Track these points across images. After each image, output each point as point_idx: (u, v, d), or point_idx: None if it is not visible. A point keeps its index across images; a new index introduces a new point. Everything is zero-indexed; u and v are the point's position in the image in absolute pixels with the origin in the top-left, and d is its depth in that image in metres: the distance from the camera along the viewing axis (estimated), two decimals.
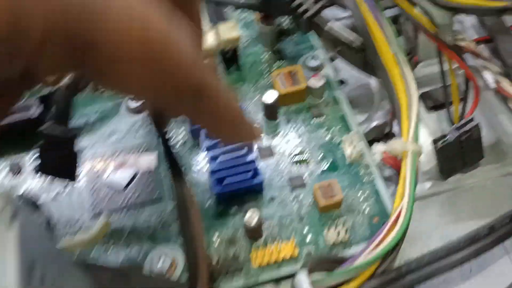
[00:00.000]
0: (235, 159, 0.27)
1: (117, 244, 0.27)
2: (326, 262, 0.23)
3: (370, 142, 0.31)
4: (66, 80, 0.23)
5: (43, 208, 0.27)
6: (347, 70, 0.34)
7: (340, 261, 0.23)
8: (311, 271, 0.22)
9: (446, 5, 0.26)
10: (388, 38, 0.27)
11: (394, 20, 0.30)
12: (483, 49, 0.34)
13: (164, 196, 0.28)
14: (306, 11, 0.27)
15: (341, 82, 0.33)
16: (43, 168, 0.24)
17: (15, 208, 0.14)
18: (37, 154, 0.24)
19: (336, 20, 0.30)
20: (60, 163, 0.24)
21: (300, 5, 0.27)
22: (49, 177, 0.24)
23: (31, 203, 0.27)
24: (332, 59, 0.34)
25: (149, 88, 0.16)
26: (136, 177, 0.29)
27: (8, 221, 0.14)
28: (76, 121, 0.30)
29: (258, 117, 0.31)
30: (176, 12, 0.16)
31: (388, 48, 0.27)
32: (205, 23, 0.31)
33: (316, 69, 0.32)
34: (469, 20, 0.35)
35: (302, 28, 0.29)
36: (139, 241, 0.27)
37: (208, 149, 0.27)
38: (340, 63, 0.34)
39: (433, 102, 0.31)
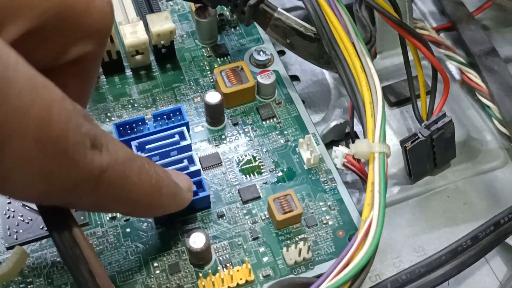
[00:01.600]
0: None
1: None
2: (289, 287, 0.19)
3: (329, 145, 0.27)
4: None
5: None
6: (299, 65, 0.30)
7: (305, 286, 0.20)
8: None
9: None
10: (346, 26, 0.24)
11: (348, 8, 0.27)
12: (444, 38, 0.31)
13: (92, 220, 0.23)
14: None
15: (294, 78, 0.30)
16: None
17: None
18: None
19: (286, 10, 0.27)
20: None
21: None
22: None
23: None
24: (281, 53, 0.30)
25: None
26: None
27: None
28: None
29: (200, 121, 0.26)
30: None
31: (346, 37, 0.24)
32: (133, 15, 0.27)
33: (264, 65, 0.28)
34: (428, 7, 0.32)
35: (244, 19, 0.25)
36: None
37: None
38: (291, 57, 0.30)
39: (396, 97, 0.28)
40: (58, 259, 0.22)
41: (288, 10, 0.32)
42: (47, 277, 0.22)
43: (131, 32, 0.26)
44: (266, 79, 0.27)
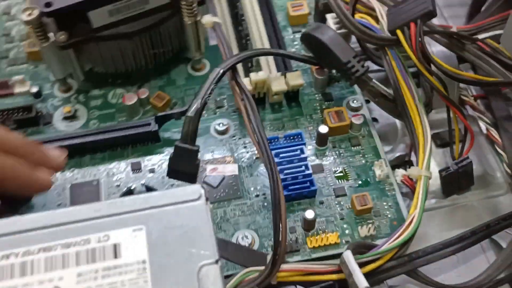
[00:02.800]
0: (297, 173, 0.38)
1: None
2: (361, 247, 0.34)
3: (393, 167, 0.42)
4: (193, 110, 0.35)
5: None
6: (378, 111, 0.45)
7: (371, 247, 0.35)
8: (353, 251, 0.33)
9: (456, 77, 0.37)
10: (412, 94, 0.39)
11: (416, 75, 0.41)
12: (479, 103, 0.45)
13: (244, 194, 0.39)
14: (357, 71, 0.39)
15: (374, 119, 0.45)
16: (171, 173, 0.36)
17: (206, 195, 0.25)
18: (168, 162, 0.35)
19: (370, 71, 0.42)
20: (185, 170, 0.35)
21: (352, 66, 0.39)
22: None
23: (154, 189, 0.38)
24: (367, 101, 0.45)
25: None
26: (224, 180, 0.40)
27: (205, 203, 0.25)
28: None
29: (312, 142, 0.42)
30: None
31: (413, 101, 0.38)
32: (274, 71, 0.42)
33: (356, 109, 0.43)
34: None
35: (349, 81, 0.40)
36: (227, 226, 0.38)
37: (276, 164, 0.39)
38: (373, 105, 0.45)
39: (441, 141, 0.43)
40: (225, 216, 0.38)
41: (374, 71, 0.46)
42: (218, 225, 0.38)
43: (276, 82, 0.41)
44: (357, 120, 0.42)
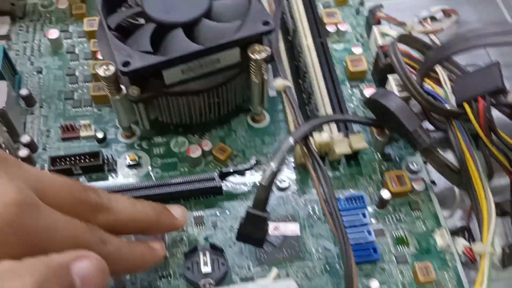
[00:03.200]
0: (360, 238, 0.39)
1: None
2: None
3: (452, 233, 0.42)
4: (266, 179, 0.35)
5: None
6: (436, 173, 0.45)
7: None
8: None
9: None
10: (477, 167, 0.39)
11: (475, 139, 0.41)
12: None
13: (306, 256, 0.40)
14: (423, 141, 0.39)
15: (432, 182, 0.45)
16: (240, 236, 0.36)
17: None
18: (238, 227, 0.36)
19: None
20: (254, 235, 0.36)
21: (419, 136, 0.39)
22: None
23: (219, 249, 0.39)
24: (425, 162, 0.45)
25: None
26: (286, 239, 0.40)
27: None
28: None
29: (372, 204, 0.42)
30: None
31: (478, 174, 0.38)
32: (338, 134, 0.43)
33: (416, 172, 0.44)
34: None
35: (414, 149, 0.40)
36: None
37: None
38: (431, 167, 0.45)
39: (501, 211, 0.43)
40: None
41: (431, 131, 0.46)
42: None
43: (339, 145, 0.42)
44: (418, 186, 0.42)
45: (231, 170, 0.42)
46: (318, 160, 0.37)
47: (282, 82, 0.40)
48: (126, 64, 0.37)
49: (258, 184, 0.35)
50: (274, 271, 0.37)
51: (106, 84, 0.39)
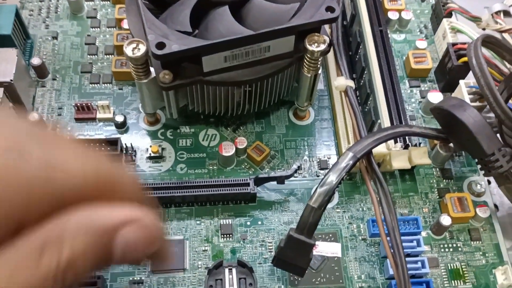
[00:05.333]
0: (413, 269, 0.33)
1: None
2: None
3: None
4: (317, 200, 0.30)
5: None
6: (500, 195, 0.39)
7: None
8: None
9: None
10: None
11: None
12: None
13: (347, 284, 0.35)
14: (500, 166, 0.33)
15: (495, 206, 0.39)
16: (278, 263, 0.31)
17: None
18: (277, 250, 0.31)
19: None
20: (294, 263, 0.31)
21: (496, 160, 0.33)
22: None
23: (247, 267, 0.34)
24: (489, 182, 0.40)
25: None
26: (325, 261, 0.35)
27: None
28: None
29: (426, 228, 0.37)
30: None
31: None
32: (395, 144, 0.37)
33: (479, 195, 0.38)
34: None
35: (486, 174, 0.34)
36: None
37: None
38: (495, 186, 0.40)
39: None
40: None
41: None
42: None
43: (398, 159, 0.36)
44: (482, 213, 0.36)
45: (269, 176, 0.36)
46: (380, 178, 0.31)
47: (344, 82, 0.34)
48: (160, 46, 0.31)
49: (307, 206, 0.30)
50: None
51: (134, 66, 0.33)
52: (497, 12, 0.47)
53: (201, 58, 0.33)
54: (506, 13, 0.47)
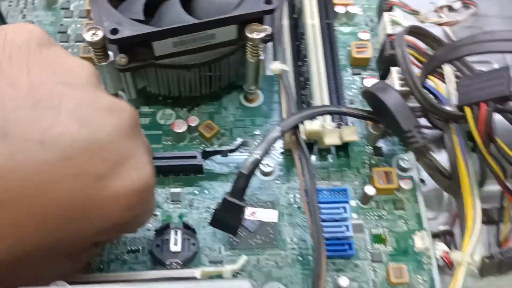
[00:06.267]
0: (337, 232, 0.38)
1: (242, 274, 0.38)
2: None
3: (434, 235, 0.41)
4: (247, 167, 0.34)
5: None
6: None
7: None
8: None
9: None
10: (469, 175, 0.37)
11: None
12: None
13: (280, 245, 0.39)
14: (416, 142, 0.37)
15: (421, 180, 0.44)
16: (213, 223, 0.35)
17: None
18: (213, 212, 0.35)
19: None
20: (228, 223, 0.35)
21: (412, 136, 0.37)
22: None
23: (191, 229, 0.38)
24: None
25: None
26: (262, 225, 0.40)
27: None
28: None
29: (355, 199, 0.41)
30: None
31: (468, 182, 0.37)
32: (330, 123, 0.41)
33: (406, 170, 0.42)
34: None
35: (408, 148, 0.39)
36: (259, 275, 0.38)
37: None
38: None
39: (487, 218, 0.42)
40: (257, 264, 0.38)
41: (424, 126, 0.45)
42: (248, 273, 0.38)
43: (329, 135, 0.40)
44: (405, 185, 0.41)
45: (215, 150, 0.41)
46: (305, 150, 0.36)
47: (278, 66, 0.39)
48: (114, 31, 0.36)
49: (239, 173, 0.34)
50: (243, 258, 0.36)
51: (93, 50, 0.38)
52: (441, 7, 0.51)
53: (152, 43, 0.37)
54: (450, 8, 0.52)
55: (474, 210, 0.37)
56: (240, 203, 0.35)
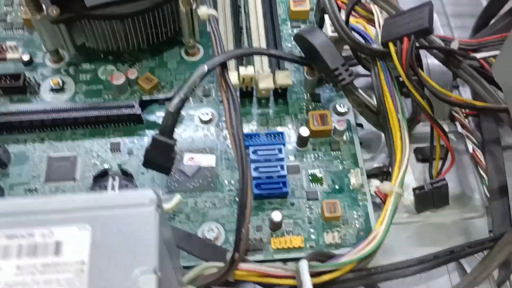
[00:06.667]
0: (272, 172, 0.39)
1: (180, 216, 0.38)
2: (321, 256, 0.35)
3: (371, 176, 0.42)
4: (173, 105, 0.35)
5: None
6: None
7: (331, 257, 0.35)
8: (310, 260, 0.33)
9: (444, 99, 0.37)
10: (396, 108, 0.38)
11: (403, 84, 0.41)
12: (470, 121, 0.44)
13: (218, 187, 0.40)
14: (343, 79, 0.38)
15: (359, 125, 0.44)
16: (146, 163, 0.36)
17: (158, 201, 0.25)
18: (144, 152, 0.36)
19: (358, 75, 0.42)
20: (160, 163, 0.36)
21: (339, 74, 0.38)
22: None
23: (127, 174, 0.39)
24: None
25: None
26: (200, 170, 0.40)
27: (155, 210, 0.25)
28: None
29: (292, 142, 0.42)
30: None
31: (395, 115, 0.38)
32: (267, 69, 0.42)
33: (342, 114, 0.43)
34: (466, 94, 0.46)
35: (336, 89, 0.40)
36: (196, 216, 0.38)
37: (252, 161, 0.39)
38: None
39: (422, 156, 0.42)
40: (194, 206, 0.39)
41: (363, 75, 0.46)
42: (186, 215, 0.39)
43: (263, 80, 0.41)
44: (340, 126, 0.42)
45: (151, 99, 0.41)
46: (231, 90, 0.36)
47: (205, 11, 0.39)
48: None
49: (166, 111, 0.35)
50: (177, 197, 0.37)
51: (26, 2, 0.39)
52: None
53: None
54: None
55: (402, 142, 0.37)
56: (169, 141, 0.35)
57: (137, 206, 0.24)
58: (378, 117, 0.39)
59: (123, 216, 0.24)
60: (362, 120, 0.44)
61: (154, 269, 0.23)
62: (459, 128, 0.44)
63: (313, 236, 0.38)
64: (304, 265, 0.32)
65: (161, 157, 0.36)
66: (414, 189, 0.39)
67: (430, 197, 0.39)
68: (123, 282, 0.22)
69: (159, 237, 0.24)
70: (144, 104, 0.41)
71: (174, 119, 0.35)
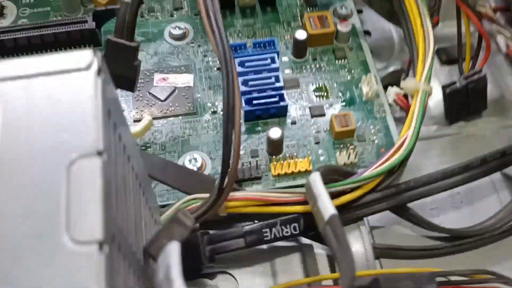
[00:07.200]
0: (265, 84, 0.31)
1: (153, 147, 0.30)
2: (336, 173, 0.27)
3: (386, 86, 0.34)
4: None
5: None
6: (372, 23, 0.37)
7: (348, 175, 0.27)
8: (323, 175, 0.25)
9: None
10: None
11: None
12: (499, 16, 0.37)
13: (198, 111, 0.32)
14: None
15: (366, 32, 0.37)
16: None
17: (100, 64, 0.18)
18: None
19: None
20: (120, 73, 0.28)
21: None
22: None
23: None
24: (359, 11, 0.37)
25: None
26: (175, 92, 0.32)
27: (95, 75, 0.17)
28: None
29: (287, 53, 0.34)
30: None
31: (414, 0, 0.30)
32: None
33: (345, 17, 0.35)
34: None
35: None
36: (174, 146, 0.30)
37: (240, 74, 0.31)
38: (367, 15, 0.37)
39: (447, 56, 0.35)
40: (171, 135, 0.31)
41: None
42: (161, 145, 0.31)
43: None
44: (343, 28, 0.34)
45: (106, 9, 0.33)
46: None
47: None
48: None
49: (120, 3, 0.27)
50: (146, 118, 0.29)
51: None
52: None
53: None
54: None
55: (424, 30, 0.30)
56: (130, 44, 0.27)
57: (72, 71, 0.17)
58: (391, 5, 0.31)
59: (53, 82, 0.16)
60: (368, 26, 0.37)
61: (97, 149, 0.15)
62: (487, 26, 0.36)
63: (322, 158, 0.30)
64: (317, 177, 0.24)
65: (121, 66, 0.28)
66: (443, 87, 0.31)
67: (464, 97, 0.31)
68: (50, 168, 0.14)
69: (103, 111, 0.16)
70: (100, 19, 0.33)
71: (132, 12, 0.27)
